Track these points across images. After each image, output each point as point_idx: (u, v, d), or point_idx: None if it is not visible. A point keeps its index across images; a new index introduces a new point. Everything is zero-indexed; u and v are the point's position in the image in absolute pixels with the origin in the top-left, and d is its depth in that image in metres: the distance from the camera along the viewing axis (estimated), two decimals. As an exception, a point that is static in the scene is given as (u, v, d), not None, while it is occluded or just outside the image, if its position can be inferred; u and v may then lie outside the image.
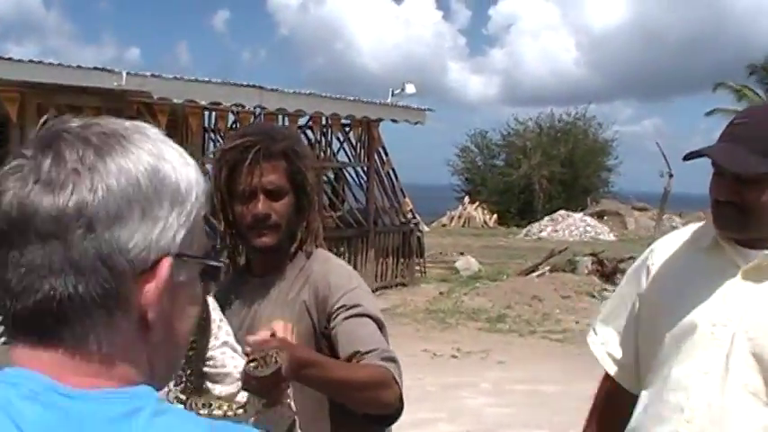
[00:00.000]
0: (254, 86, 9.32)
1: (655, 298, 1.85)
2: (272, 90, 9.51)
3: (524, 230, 28.63)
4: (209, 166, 10.02)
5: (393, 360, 1.94)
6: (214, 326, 2.07)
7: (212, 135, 11.45)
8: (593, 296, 11.38)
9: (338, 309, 2.01)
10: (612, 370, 1.97)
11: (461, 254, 17.12)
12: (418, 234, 13.30)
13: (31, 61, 7.55)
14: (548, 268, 13.13)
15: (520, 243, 24.97)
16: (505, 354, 9.08)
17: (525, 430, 6.62)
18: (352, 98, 10.69)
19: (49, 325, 0.71)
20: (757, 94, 31.03)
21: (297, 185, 2.10)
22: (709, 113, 32.40)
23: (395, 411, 1.93)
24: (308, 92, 10.04)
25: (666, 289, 1.83)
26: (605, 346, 1.99)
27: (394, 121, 11.75)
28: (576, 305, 11.14)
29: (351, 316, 2.00)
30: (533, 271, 13.23)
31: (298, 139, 2.33)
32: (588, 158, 37.50)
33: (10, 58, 7.46)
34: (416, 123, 12.01)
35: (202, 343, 2.02)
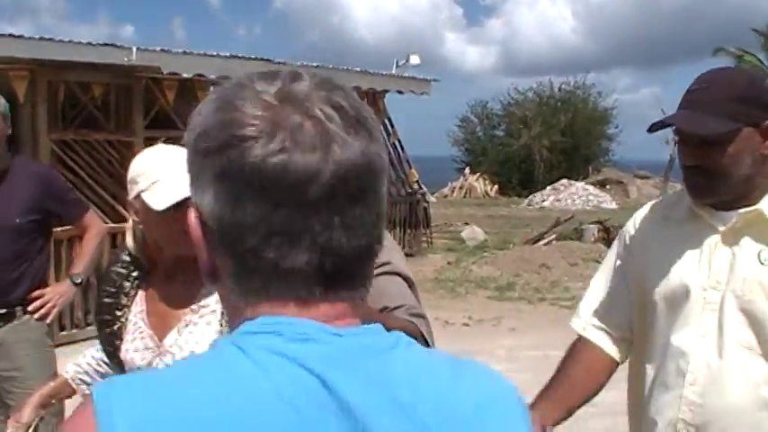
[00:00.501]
0: (261, 59, 9.34)
1: (642, 269, 1.92)
2: (279, 63, 9.51)
3: (527, 200, 28.71)
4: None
5: (422, 316, 1.97)
6: None
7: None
8: (600, 263, 11.47)
9: None
10: (607, 345, 2.02)
11: (466, 224, 17.19)
12: (425, 205, 13.36)
13: (42, 39, 7.55)
14: (554, 236, 13.21)
15: (523, 212, 25.06)
16: (516, 321, 9.18)
17: (541, 394, 6.73)
18: (358, 69, 10.71)
19: (339, 279, 0.75)
20: (759, 60, 30.90)
21: None
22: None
23: None
24: (315, 64, 10.05)
25: (653, 260, 1.89)
26: (594, 326, 2.04)
27: (400, 92, 11.77)
28: (584, 272, 11.21)
29: (380, 273, 1.99)
30: (540, 239, 13.31)
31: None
32: (588, 127, 37.47)
33: (21, 36, 7.47)
34: (422, 94, 12.04)
35: None
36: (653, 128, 1.85)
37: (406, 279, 2.05)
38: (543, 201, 27.58)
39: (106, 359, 2.25)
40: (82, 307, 7.49)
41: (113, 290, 2.15)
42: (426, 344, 1.91)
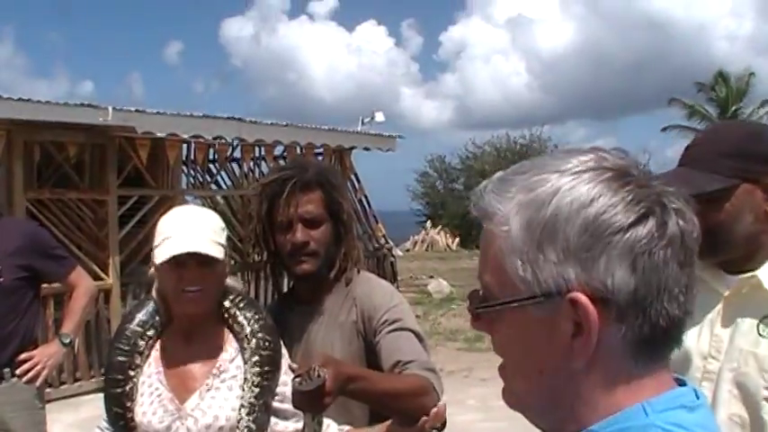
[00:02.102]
0: (233, 118, 9.51)
1: None
2: (250, 122, 9.71)
3: (488, 252, 28.96)
4: (189, 198, 10.18)
5: (432, 371, 2.03)
6: (284, 360, 2.14)
7: (192, 167, 11.57)
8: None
9: (382, 324, 2.13)
10: None
11: (431, 277, 17.36)
12: (392, 259, 13.51)
13: (20, 99, 7.64)
14: (519, 288, 13.42)
15: (485, 265, 25.27)
16: (487, 371, 9.29)
17: (517, 443, 6.84)
18: (326, 127, 10.94)
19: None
20: (707, 111, 32.01)
21: (333, 214, 2.21)
22: (664, 129, 33.34)
23: None
24: (284, 123, 10.27)
25: None
26: None
27: (366, 149, 12.01)
28: (550, 323, 11.43)
29: (393, 330, 2.11)
30: (505, 291, 13.50)
31: (332, 171, 2.40)
32: (546, 180, 38.02)
33: (-1, 96, 7.57)
34: (388, 150, 12.29)
35: (276, 376, 2.09)
36: None
37: (417, 335, 2.13)
38: (504, 253, 27.86)
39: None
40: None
41: (127, 348, 2.10)
42: (437, 397, 1.97)
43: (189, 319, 2.09)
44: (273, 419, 2.12)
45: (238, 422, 2.03)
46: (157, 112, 8.75)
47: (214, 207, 10.67)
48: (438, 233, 32.80)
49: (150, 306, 2.16)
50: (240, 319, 2.11)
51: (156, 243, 2.04)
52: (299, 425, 2.06)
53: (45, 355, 3.61)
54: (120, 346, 2.11)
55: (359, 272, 2.29)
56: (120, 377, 2.09)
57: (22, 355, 3.53)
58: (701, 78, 33.14)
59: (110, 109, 8.11)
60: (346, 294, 2.24)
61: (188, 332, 2.12)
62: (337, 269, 2.25)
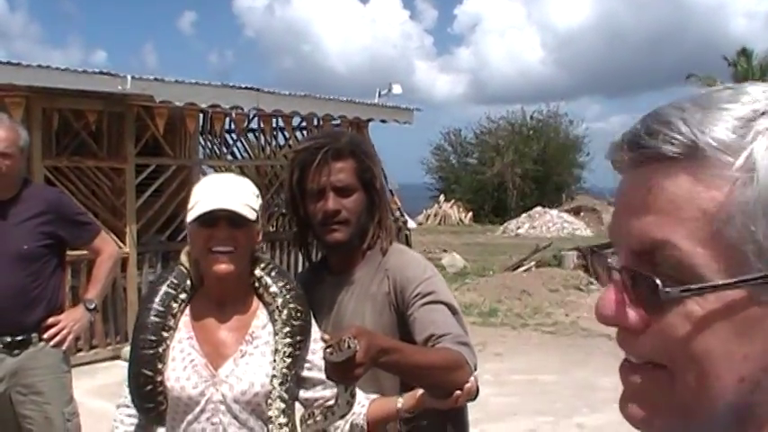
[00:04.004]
0: (251, 89, 9.46)
1: None
2: (268, 92, 9.66)
3: (502, 227, 28.99)
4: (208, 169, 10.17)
5: (466, 344, 2.02)
6: (313, 329, 2.15)
7: (209, 137, 11.56)
8: (581, 289, 11.68)
9: (415, 297, 2.10)
10: None
11: (444, 251, 17.37)
12: (406, 232, 13.50)
13: (39, 66, 7.63)
14: (533, 263, 13.42)
15: (499, 240, 25.31)
16: (501, 346, 9.34)
17: (530, 416, 6.87)
18: (345, 99, 10.88)
19: None
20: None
21: (365, 183, 2.19)
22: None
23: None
24: (303, 93, 10.21)
25: None
26: None
27: (383, 121, 11.95)
28: (565, 299, 11.43)
29: (426, 303, 2.09)
30: (520, 266, 13.51)
31: (364, 140, 2.39)
32: (560, 155, 37.91)
33: (19, 63, 7.54)
34: (405, 123, 12.22)
35: (306, 345, 2.11)
36: None
37: (451, 307, 2.10)
38: (518, 228, 27.86)
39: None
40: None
41: (162, 309, 2.09)
42: (471, 370, 1.97)
43: (219, 282, 2.07)
44: (302, 391, 2.14)
45: (270, 392, 2.03)
46: (176, 81, 8.72)
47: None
48: (451, 207, 32.82)
49: (182, 270, 2.16)
50: (273, 288, 2.11)
51: (189, 206, 2.04)
52: (325, 392, 2.09)
53: (71, 320, 3.67)
54: (155, 306, 2.10)
55: (391, 243, 2.26)
56: (153, 338, 2.07)
57: (49, 320, 3.59)
58: (719, 55, 32.87)
59: (128, 77, 8.09)
60: (378, 265, 2.21)
61: (219, 297, 2.11)
62: (370, 239, 2.23)
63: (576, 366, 8.82)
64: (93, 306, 3.80)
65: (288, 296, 2.10)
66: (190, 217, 2.01)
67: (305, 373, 2.12)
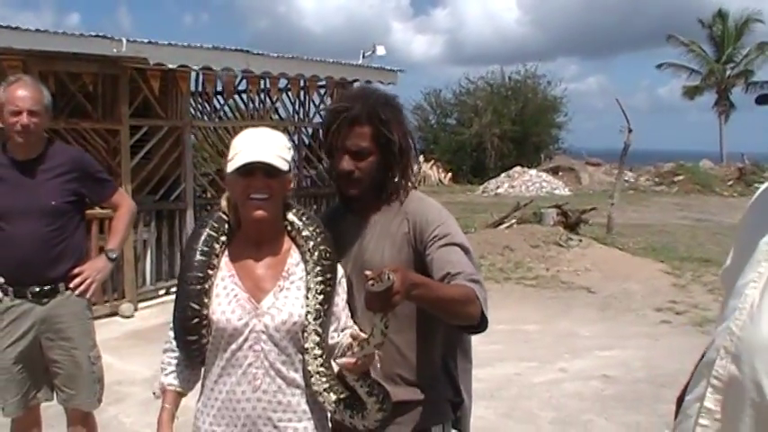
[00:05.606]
0: (240, 50, 9.65)
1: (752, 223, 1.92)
2: (257, 54, 9.85)
3: (481, 187, 29.27)
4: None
5: (477, 281, 2.22)
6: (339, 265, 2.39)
7: (199, 98, 11.73)
8: (561, 245, 12.03)
9: (432, 238, 2.31)
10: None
11: (427, 210, 17.61)
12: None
13: (37, 30, 7.77)
14: (515, 220, 13.76)
15: (479, 199, 25.64)
16: (485, 299, 9.69)
17: (516, 362, 7.25)
18: (331, 60, 11.07)
19: None
20: (703, 50, 31.89)
21: (382, 146, 2.39)
22: (659, 66, 33.27)
23: (478, 324, 2.21)
24: (290, 55, 10.40)
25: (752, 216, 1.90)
26: None
27: (368, 82, 12.15)
28: (545, 254, 11.78)
29: (443, 245, 2.28)
30: (501, 223, 13.84)
31: (385, 106, 2.44)
32: (538, 116, 37.92)
33: (17, 27, 7.68)
34: (389, 84, 12.42)
35: (336, 282, 2.35)
36: (761, 100, 1.78)
37: (464, 248, 2.31)
38: (498, 188, 28.18)
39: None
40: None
41: (206, 248, 2.31)
42: (481, 305, 2.17)
43: (256, 225, 2.31)
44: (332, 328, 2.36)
45: (305, 327, 2.27)
46: (169, 44, 8.89)
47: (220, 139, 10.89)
48: (431, 168, 32.98)
49: (221, 215, 2.39)
50: (305, 232, 2.36)
51: (229, 157, 2.28)
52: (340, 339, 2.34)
53: (94, 270, 3.93)
54: (200, 246, 2.31)
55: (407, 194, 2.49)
56: (200, 275, 2.27)
57: (75, 270, 3.85)
58: (695, 17, 33.08)
59: (123, 40, 8.26)
60: (398, 210, 2.43)
61: (256, 239, 2.34)
62: (387, 192, 2.46)
63: (557, 317, 9.22)
64: (114, 256, 4.05)
65: (318, 239, 2.35)
66: (230, 167, 2.25)
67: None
